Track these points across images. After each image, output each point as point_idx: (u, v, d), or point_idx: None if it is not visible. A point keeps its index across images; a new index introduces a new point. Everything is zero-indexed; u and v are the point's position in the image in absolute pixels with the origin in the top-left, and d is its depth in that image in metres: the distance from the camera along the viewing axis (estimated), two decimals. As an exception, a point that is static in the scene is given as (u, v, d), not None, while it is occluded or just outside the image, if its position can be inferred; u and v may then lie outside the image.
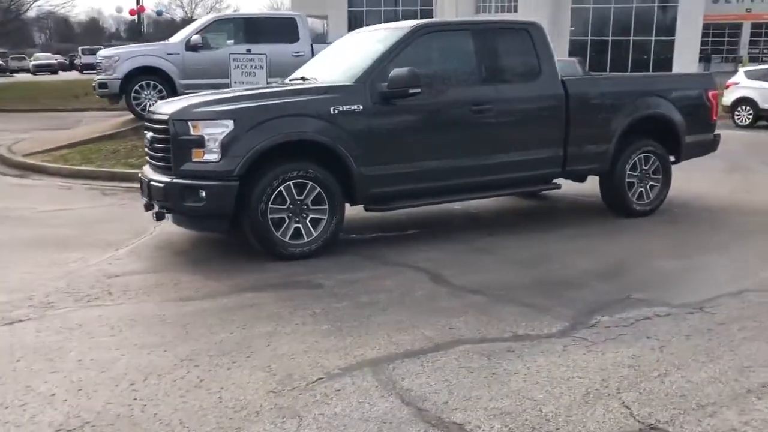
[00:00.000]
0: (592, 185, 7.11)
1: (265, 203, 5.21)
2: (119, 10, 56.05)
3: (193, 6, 79.29)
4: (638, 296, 4.51)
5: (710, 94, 7.30)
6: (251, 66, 10.18)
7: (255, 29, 12.69)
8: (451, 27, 6.45)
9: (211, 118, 5.18)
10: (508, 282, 4.83)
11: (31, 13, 41.17)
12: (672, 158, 7.18)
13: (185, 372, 3.39)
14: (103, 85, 12.12)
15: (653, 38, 40.54)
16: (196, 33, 12.34)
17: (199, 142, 5.14)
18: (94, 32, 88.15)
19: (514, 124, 6.19)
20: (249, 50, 11.30)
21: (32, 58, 57.98)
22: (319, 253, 5.42)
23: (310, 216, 5.41)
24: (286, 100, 5.42)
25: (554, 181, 6.59)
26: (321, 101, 5.42)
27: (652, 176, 6.99)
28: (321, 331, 3.91)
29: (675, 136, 7.06)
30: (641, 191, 6.93)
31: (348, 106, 5.44)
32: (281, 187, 5.25)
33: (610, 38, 41.35)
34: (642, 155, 6.88)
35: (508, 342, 3.75)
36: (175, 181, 5.26)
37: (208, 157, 5.15)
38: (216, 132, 5.13)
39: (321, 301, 4.46)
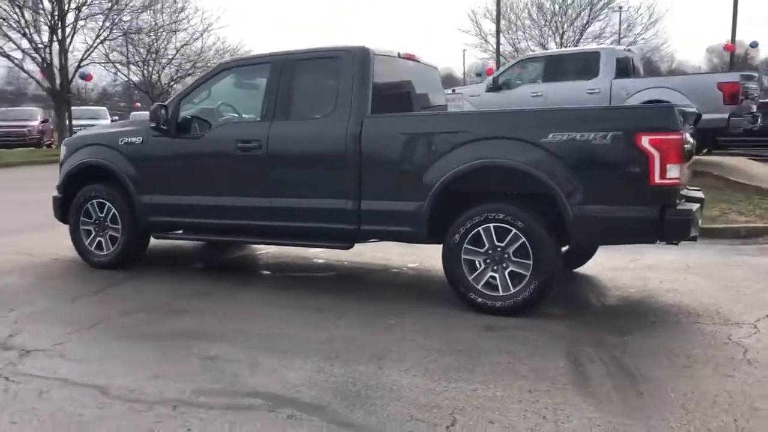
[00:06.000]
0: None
1: (76, 217, 6.34)
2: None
3: None
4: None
5: (647, 139, 4.28)
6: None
7: (557, 67, 11.98)
8: (252, 62, 5.94)
9: (63, 144, 6.64)
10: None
11: None
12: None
13: None
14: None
15: None
16: (500, 74, 12.47)
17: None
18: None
19: (288, 166, 5.38)
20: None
21: None
22: (114, 265, 6.18)
23: (110, 233, 6.23)
24: (97, 132, 6.42)
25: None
26: (116, 133, 6.16)
27: (513, 259, 4.68)
28: None
29: (551, 202, 4.54)
30: (492, 278, 4.75)
31: (132, 138, 6.01)
32: (87, 205, 6.27)
33: None
34: (491, 225, 4.70)
35: None
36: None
37: (63, 176, 6.63)
38: (62, 155, 6.58)
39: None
